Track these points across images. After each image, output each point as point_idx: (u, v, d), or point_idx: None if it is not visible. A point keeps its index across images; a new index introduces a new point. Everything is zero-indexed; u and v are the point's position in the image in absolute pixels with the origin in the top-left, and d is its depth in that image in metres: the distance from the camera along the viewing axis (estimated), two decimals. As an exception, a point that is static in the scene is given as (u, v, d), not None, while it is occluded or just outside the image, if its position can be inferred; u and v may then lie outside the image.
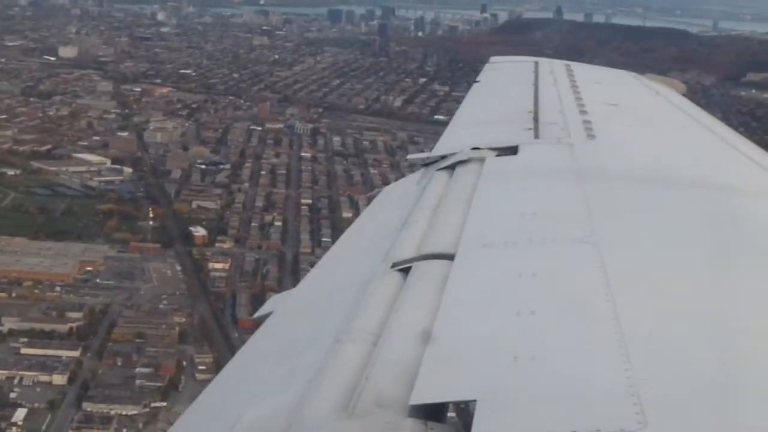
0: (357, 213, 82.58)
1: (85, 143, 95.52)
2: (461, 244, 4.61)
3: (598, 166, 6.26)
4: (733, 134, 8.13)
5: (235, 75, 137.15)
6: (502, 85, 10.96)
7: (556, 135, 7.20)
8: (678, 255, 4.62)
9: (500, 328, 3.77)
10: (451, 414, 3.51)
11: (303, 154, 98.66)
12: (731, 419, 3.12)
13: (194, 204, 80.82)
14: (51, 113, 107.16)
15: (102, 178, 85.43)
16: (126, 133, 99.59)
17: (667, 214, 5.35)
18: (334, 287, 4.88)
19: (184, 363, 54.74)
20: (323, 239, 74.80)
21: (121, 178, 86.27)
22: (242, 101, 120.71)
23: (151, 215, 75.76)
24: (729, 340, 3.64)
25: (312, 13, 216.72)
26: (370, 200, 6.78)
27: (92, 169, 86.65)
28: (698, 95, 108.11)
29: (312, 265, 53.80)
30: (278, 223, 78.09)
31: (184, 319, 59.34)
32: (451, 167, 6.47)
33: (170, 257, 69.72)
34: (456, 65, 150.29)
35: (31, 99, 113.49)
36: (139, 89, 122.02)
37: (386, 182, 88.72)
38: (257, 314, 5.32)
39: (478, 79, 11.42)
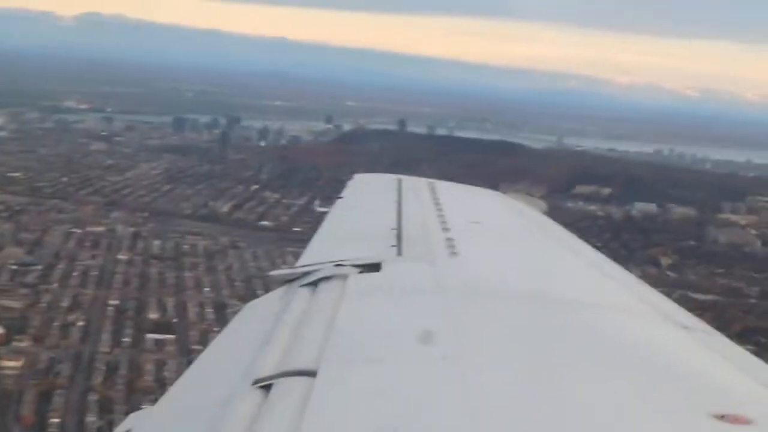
0: (164, 314, 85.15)
1: None
2: (324, 360, 4.49)
3: (459, 284, 6.27)
4: (591, 250, 8.60)
5: (64, 179, 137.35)
6: (365, 202, 10.88)
7: (419, 252, 7.16)
8: (536, 370, 4.92)
9: None
10: None
11: (119, 256, 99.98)
12: None
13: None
14: None
15: None
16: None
17: (525, 329, 5.77)
18: (195, 405, 4.69)
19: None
20: (123, 339, 76.87)
21: None
22: (67, 204, 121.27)
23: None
24: None
25: (157, 120, 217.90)
26: (233, 317, 6.69)
27: None
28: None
29: (107, 364, 54.53)
30: (81, 323, 79.18)
31: (-38, 417, 59.61)
32: (314, 284, 6.31)
33: (-39, 356, 69.83)
34: (291, 173, 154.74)
35: None
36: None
37: (199, 285, 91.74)
38: None
39: (341, 195, 11.40)
